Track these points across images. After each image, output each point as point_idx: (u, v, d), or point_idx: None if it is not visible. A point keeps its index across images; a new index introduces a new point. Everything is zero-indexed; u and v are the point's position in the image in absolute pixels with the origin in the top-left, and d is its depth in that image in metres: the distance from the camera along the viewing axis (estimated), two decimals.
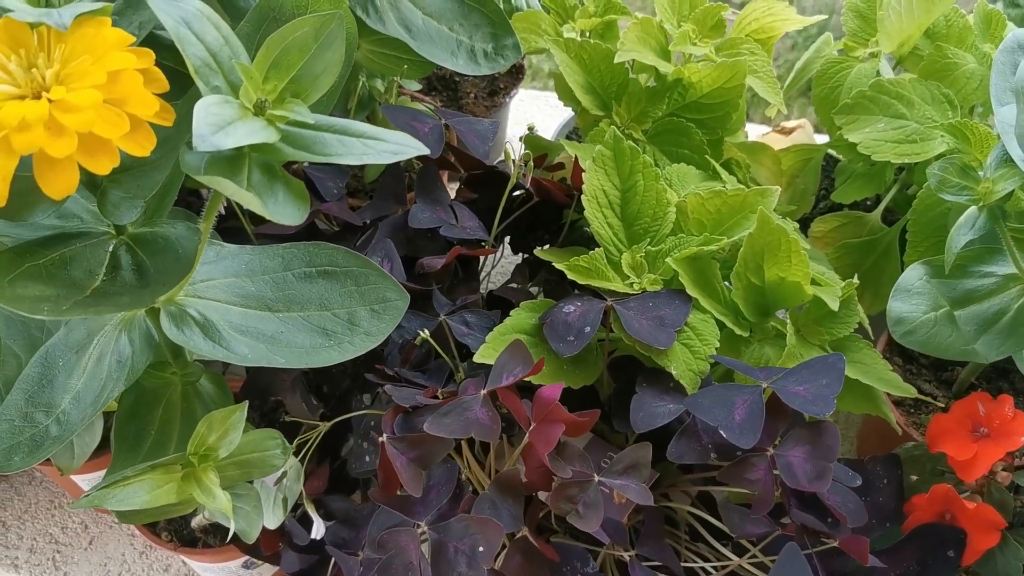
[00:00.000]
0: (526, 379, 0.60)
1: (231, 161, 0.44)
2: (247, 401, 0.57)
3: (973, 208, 0.63)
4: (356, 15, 0.74)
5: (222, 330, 0.55)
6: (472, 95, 1.03)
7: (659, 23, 0.81)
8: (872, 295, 0.82)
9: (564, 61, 0.78)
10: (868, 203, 0.90)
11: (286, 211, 0.44)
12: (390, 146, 0.45)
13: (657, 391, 0.61)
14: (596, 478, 0.57)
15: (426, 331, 0.62)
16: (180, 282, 0.49)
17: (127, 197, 0.47)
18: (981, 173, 0.69)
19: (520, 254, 0.79)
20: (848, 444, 0.90)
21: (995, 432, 0.63)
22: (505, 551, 0.58)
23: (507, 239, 0.79)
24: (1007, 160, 0.63)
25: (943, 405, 0.77)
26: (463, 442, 0.65)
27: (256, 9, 0.53)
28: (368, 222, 0.71)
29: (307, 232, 0.72)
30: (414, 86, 0.85)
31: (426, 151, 0.45)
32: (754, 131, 1.11)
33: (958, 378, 0.79)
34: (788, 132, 0.97)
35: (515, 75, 1.06)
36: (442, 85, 1.04)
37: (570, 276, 0.64)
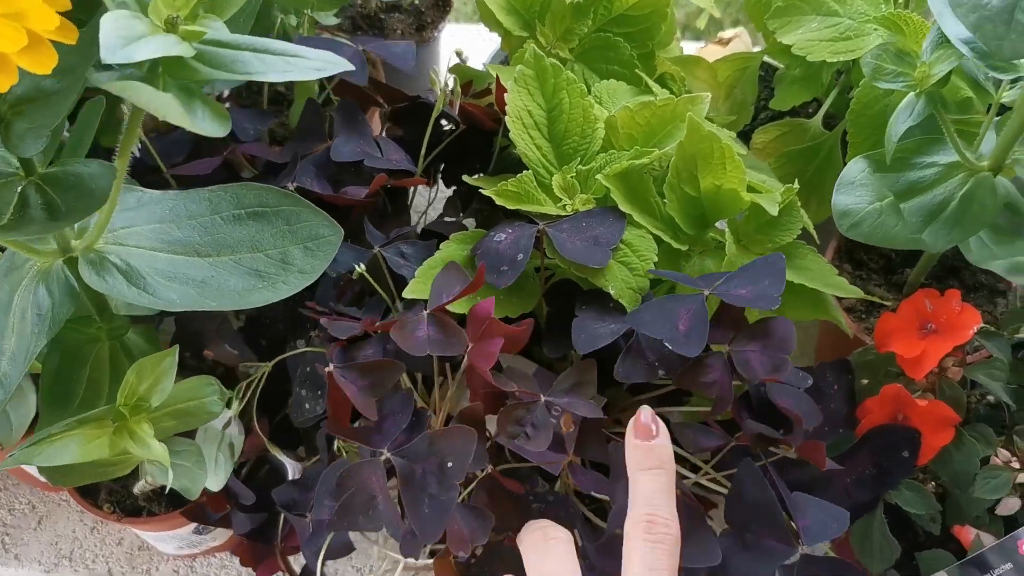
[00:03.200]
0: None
1: (144, 82, 0.42)
2: (178, 346, 0.55)
3: (911, 95, 0.61)
4: None
5: (147, 276, 0.53)
6: (399, 31, 0.99)
7: None
8: (817, 202, 0.80)
9: None
10: (809, 110, 0.88)
11: (207, 126, 0.42)
12: (313, 63, 0.44)
13: (597, 311, 0.59)
14: (543, 398, 0.55)
15: (362, 265, 0.59)
16: (90, 214, 0.47)
17: (32, 128, 0.45)
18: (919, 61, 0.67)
19: (453, 187, 0.76)
20: (807, 359, 0.89)
21: (943, 327, 0.62)
22: (471, 489, 0.56)
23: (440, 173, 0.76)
24: (943, 41, 0.61)
25: (892, 307, 0.76)
26: (404, 378, 0.62)
27: None
28: (290, 162, 0.67)
29: (227, 175, 0.68)
30: (332, 21, 0.81)
31: (351, 67, 0.43)
32: (691, 49, 1.08)
33: (908, 280, 0.77)
34: (725, 43, 0.94)
35: (442, 8, 1.02)
36: (367, 24, 0.99)
37: (499, 202, 0.61)
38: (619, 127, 0.65)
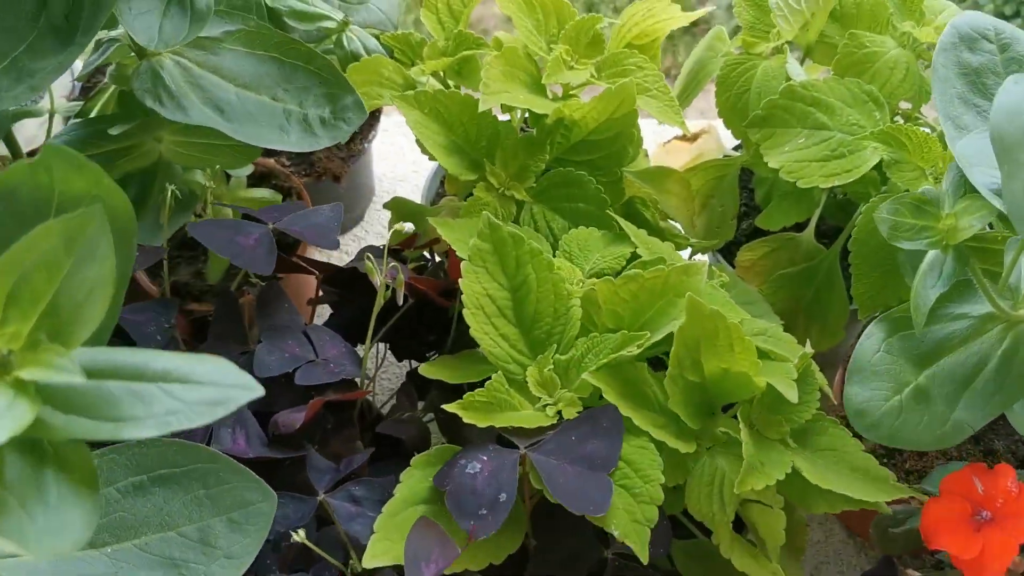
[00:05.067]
0: None
1: None
2: None
3: (936, 252, 0.52)
4: (147, 105, 0.59)
5: None
6: (325, 149, 0.87)
7: (525, 50, 0.67)
8: (819, 330, 0.71)
9: (417, 120, 0.63)
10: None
11: (62, 523, 0.30)
12: (208, 392, 0.31)
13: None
14: None
15: (301, 532, 0.48)
16: None
17: None
18: (926, 187, 0.58)
19: (407, 361, 0.65)
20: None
21: (1000, 515, 0.52)
22: None
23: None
24: (968, 189, 0.52)
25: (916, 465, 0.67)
26: None
27: None
28: None
29: None
30: (247, 171, 0.69)
31: (260, 392, 0.31)
32: (650, 128, 0.98)
33: None
34: (692, 139, 0.84)
35: (372, 116, 0.91)
36: None
37: (467, 419, 0.50)
38: (601, 303, 0.55)
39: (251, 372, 0.53)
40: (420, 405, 0.61)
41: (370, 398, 0.67)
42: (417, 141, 0.66)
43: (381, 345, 0.67)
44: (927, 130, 0.61)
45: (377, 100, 0.68)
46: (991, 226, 0.63)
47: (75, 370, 0.28)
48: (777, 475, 0.51)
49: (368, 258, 0.53)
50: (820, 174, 0.63)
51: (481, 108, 0.63)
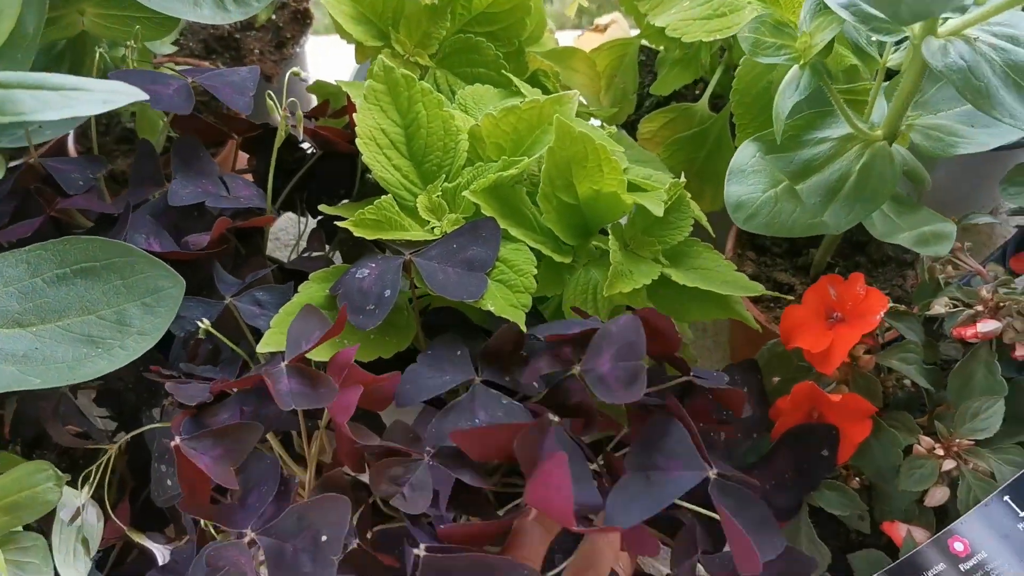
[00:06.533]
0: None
1: None
2: None
3: (795, 68, 0.57)
4: None
5: None
6: (256, 51, 0.92)
7: None
8: (713, 190, 0.76)
9: None
10: (697, 92, 0.84)
11: None
12: (98, 95, 0.38)
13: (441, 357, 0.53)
14: (427, 457, 0.50)
15: (207, 321, 0.53)
16: None
17: None
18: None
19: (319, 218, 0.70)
20: (721, 351, 0.85)
21: (849, 315, 0.58)
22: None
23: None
24: (822, 8, 0.57)
25: (802, 292, 0.72)
26: (270, 435, 0.56)
27: None
28: (121, 213, 0.60)
29: (55, 235, 0.61)
30: (168, 49, 0.74)
31: (142, 96, 0.39)
32: (569, 39, 1.03)
33: (814, 261, 0.74)
34: (602, 30, 0.89)
35: (301, 21, 0.95)
36: (221, 45, 0.92)
37: (357, 233, 0.55)
38: (484, 137, 0.59)
39: (169, 208, 0.58)
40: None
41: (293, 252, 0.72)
42: (333, 19, 0.71)
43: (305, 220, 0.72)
44: None
45: None
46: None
47: None
48: (644, 280, 0.56)
49: (269, 95, 0.58)
50: (703, 30, 0.68)
51: None
